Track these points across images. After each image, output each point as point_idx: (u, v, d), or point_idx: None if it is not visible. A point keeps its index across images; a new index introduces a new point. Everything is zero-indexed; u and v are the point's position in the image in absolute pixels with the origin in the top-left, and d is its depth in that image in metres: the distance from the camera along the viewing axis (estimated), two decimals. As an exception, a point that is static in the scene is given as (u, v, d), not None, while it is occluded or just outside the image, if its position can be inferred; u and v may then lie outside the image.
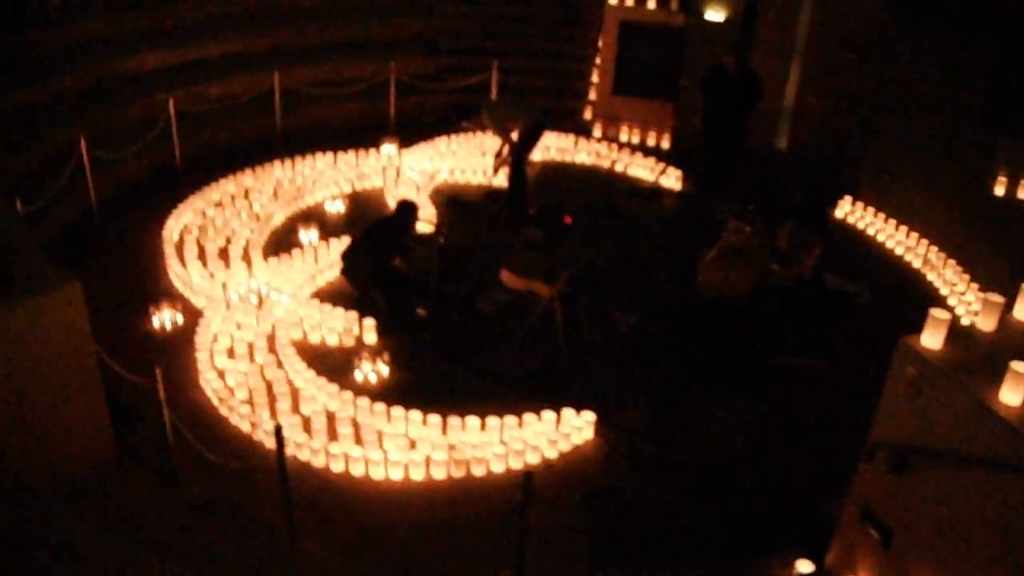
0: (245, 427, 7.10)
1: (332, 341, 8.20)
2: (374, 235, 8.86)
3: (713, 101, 10.61)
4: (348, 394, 7.26)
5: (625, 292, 8.91)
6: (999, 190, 9.68)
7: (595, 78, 13.49)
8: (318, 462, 6.81)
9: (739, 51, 10.50)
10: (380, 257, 8.75)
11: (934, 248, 10.10)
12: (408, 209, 9.02)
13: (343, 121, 12.63)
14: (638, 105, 12.73)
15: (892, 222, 10.63)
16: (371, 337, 8.21)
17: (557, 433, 7.11)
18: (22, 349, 5.44)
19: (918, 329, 5.03)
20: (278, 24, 13.44)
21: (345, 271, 8.94)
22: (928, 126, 10.46)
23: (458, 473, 6.82)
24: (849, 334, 8.48)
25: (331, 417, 7.13)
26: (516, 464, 6.91)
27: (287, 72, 12.22)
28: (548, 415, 7.21)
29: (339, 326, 8.22)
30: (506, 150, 10.56)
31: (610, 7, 12.61)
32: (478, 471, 6.84)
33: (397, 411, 7.10)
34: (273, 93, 11.86)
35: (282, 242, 9.72)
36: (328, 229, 9.91)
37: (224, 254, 9.30)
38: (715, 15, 12.00)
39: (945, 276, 9.74)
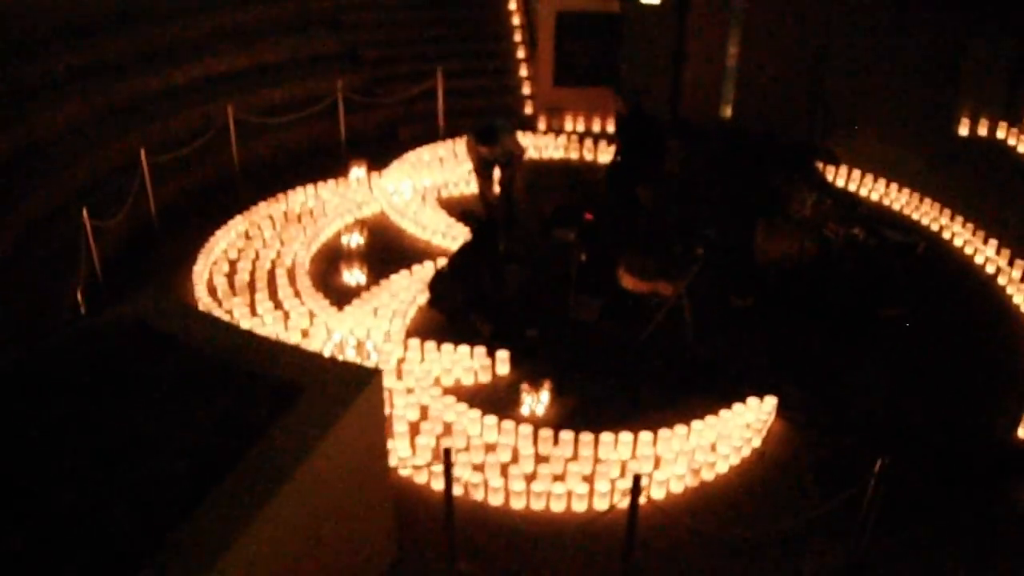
0: (456, 491, 6.53)
1: (468, 381, 7.72)
2: (460, 261, 8.40)
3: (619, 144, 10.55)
4: (547, 431, 6.88)
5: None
6: (963, 130, 10.83)
7: (524, 71, 13.41)
8: (559, 506, 6.46)
9: (628, 98, 10.51)
10: (471, 282, 8.33)
11: (906, 190, 11.13)
12: (486, 228, 8.61)
13: (292, 149, 11.69)
14: (580, 94, 12.81)
15: (856, 172, 11.55)
16: (505, 368, 7.82)
17: (758, 422, 7.20)
18: (337, 458, 4.66)
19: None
20: (186, 57, 12.04)
21: (434, 302, 8.42)
22: (883, 77, 11.40)
23: (694, 483, 6.74)
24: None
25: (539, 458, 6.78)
26: (735, 461, 6.95)
27: (217, 105, 11.12)
28: (738, 408, 7.28)
29: (472, 364, 7.75)
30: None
31: (545, -1, 12.58)
32: (708, 475, 6.81)
33: (607, 436, 6.84)
34: (214, 129, 10.71)
35: (328, 286, 8.93)
36: (365, 263, 9.20)
37: (285, 312, 8.41)
38: (651, -1, 12.33)
39: (929, 213, 10.77)
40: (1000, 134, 10.69)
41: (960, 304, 9.22)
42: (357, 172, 11.04)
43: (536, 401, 7.36)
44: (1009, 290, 9.39)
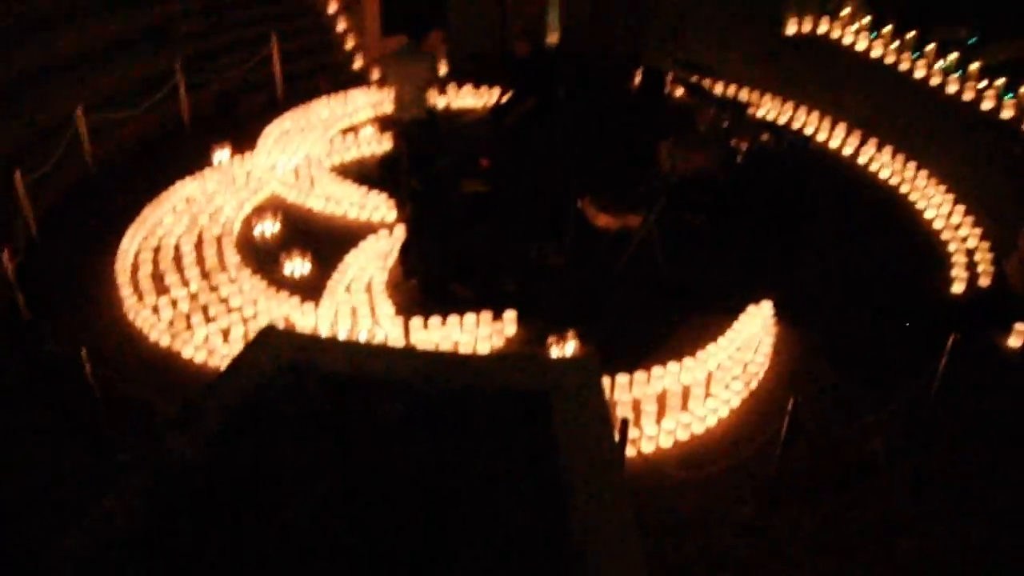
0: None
1: (484, 349, 7.50)
2: (422, 226, 8.06)
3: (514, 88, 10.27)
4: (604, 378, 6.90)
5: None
6: (790, 30, 11.84)
7: (342, 25, 12.71)
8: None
9: (530, 36, 10.20)
10: (438, 247, 8.04)
11: (745, 89, 12.04)
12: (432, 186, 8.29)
13: (141, 141, 10.38)
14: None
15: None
16: (512, 328, 7.67)
17: (767, 326, 7.69)
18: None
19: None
20: None
21: (409, 272, 8.03)
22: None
23: (746, 393, 7.13)
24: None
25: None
26: (767, 365, 7.42)
27: (43, 109, 9.58)
28: (744, 317, 7.70)
29: (482, 331, 7.52)
30: None
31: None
32: (754, 384, 7.22)
33: (657, 370, 7.02)
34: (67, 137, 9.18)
35: (274, 282, 8.14)
36: (299, 251, 8.48)
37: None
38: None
39: (773, 108, 11.75)
40: (822, 28, 11.81)
41: (839, 187, 10.27)
42: (222, 155, 10.05)
43: (563, 353, 7.34)
44: (873, 167, 10.58)
